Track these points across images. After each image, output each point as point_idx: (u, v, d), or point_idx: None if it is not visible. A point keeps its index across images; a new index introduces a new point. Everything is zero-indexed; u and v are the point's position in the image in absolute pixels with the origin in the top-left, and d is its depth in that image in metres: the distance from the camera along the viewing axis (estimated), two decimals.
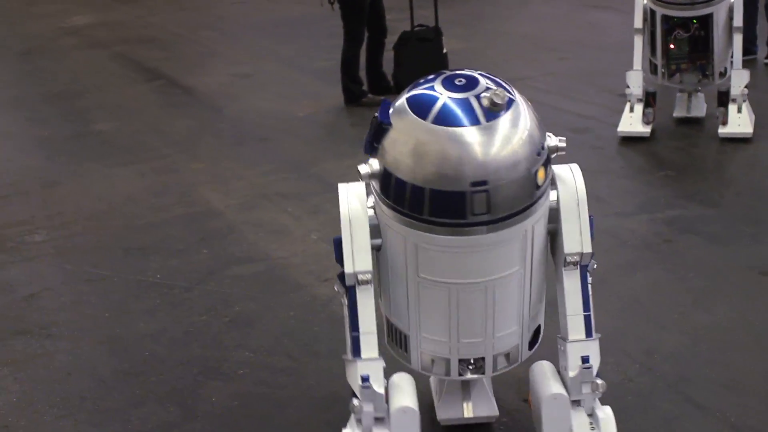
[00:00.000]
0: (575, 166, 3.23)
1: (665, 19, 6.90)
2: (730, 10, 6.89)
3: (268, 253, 5.45)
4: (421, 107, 2.93)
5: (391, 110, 3.01)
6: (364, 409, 3.15)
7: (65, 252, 5.66)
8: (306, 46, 10.85)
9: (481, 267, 3.10)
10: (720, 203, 5.85)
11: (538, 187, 2.96)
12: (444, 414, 3.67)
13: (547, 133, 3.03)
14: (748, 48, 8.43)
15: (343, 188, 3.30)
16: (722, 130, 6.89)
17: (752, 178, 6.34)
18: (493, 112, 2.90)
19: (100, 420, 3.92)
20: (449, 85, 2.97)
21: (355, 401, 3.17)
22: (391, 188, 2.98)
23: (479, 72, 3.03)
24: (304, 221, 5.89)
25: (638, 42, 7.10)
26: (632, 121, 7.04)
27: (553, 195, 3.17)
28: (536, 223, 3.07)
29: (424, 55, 8.40)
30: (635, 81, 7.06)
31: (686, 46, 6.97)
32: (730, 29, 6.95)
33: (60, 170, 7.19)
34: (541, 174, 2.95)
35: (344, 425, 3.21)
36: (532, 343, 3.41)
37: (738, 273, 4.86)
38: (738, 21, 6.90)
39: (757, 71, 8.54)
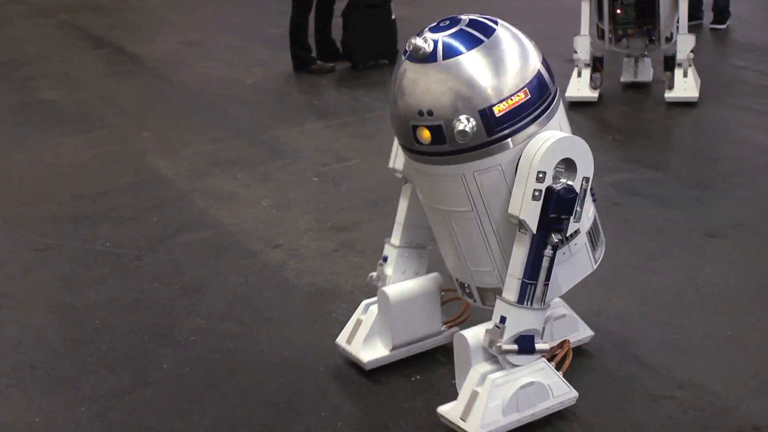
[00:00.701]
0: (553, 136, 3.19)
1: None
2: None
3: (218, 220, 5.43)
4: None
5: None
6: (371, 279, 3.87)
7: (12, 221, 5.61)
8: (255, 13, 10.80)
9: (435, 195, 3.40)
10: (666, 166, 5.92)
11: (455, 140, 3.15)
12: None
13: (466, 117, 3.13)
14: (694, 13, 8.52)
15: None
16: (668, 95, 6.97)
17: (698, 142, 6.43)
18: (416, 57, 3.16)
19: (52, 389, 3.90)
20: (435, 28, 3.24)
21: (373, 273, 3.87)
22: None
23: (475, 15, 3.29)
24: (254, 188, 5.88)
25: (585, 7, 7.15)
26: (580, 86, 7.09)
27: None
28: (478, 172, 3.22)
29: (373, 21, 8.39)
30: (583, 46, 7.11)
31: (633, 12, 7.03)
32: None
33: (6, 140, 7.12)
34: (425, 135, 3.19)
35: (297, 391, 3.24)
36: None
37: (684, 234, 4.92)
38: None
39: (703, 36, 8.64)
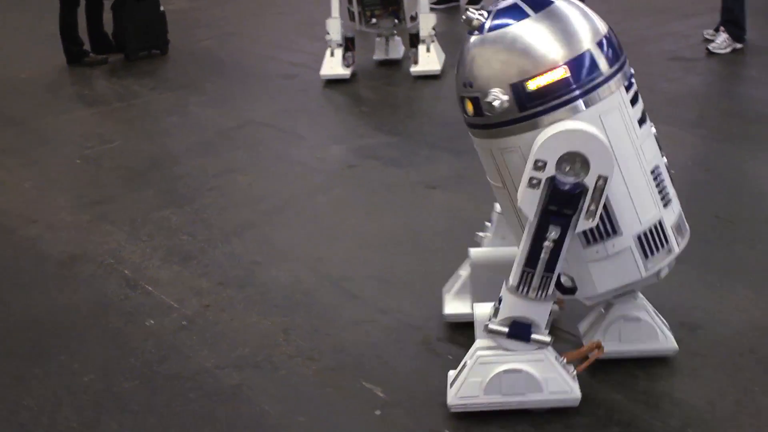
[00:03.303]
0: (563, 127, 3.04)
1: None
2: None
3: None
4: None
5: None
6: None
7: None
8: (33, 12, 10.90)
9: (484, 167, 3.40)
10: (403, 132, 6.50)
11: (486, 113, 3.13)
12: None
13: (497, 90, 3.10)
14: None
15: None
16: (414, 69, 7.58)
17: (436, 110, 7.03)
18: (469, 29, 3.22)
19: None
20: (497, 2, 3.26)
21: (479, 233, 3.89)
22: None
23: None
24: (19, 172, 6.14)
25: None
26: (333, 65, 7.61)
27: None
28: (502, 150, 3.19)
29: (142, 13, 8.69)
30: (334, 28, 7.63)
31: None
32: None
33: None
34: (469, 107, 3.20)
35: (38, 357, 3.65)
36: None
37: (408, 188, 5.49)
38: None
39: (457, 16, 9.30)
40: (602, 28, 3.17)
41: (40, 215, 5.42)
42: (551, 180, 3.04)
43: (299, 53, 8.52)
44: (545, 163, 3.03)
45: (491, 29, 3.13)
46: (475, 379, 3.31)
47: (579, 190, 3.05)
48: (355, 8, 7.67)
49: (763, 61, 7.67)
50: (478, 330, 3.37)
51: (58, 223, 5.31)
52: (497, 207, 3.70)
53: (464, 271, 3.92)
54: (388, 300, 4.27)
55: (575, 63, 3.05)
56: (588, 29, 3.12)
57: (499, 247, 3.75)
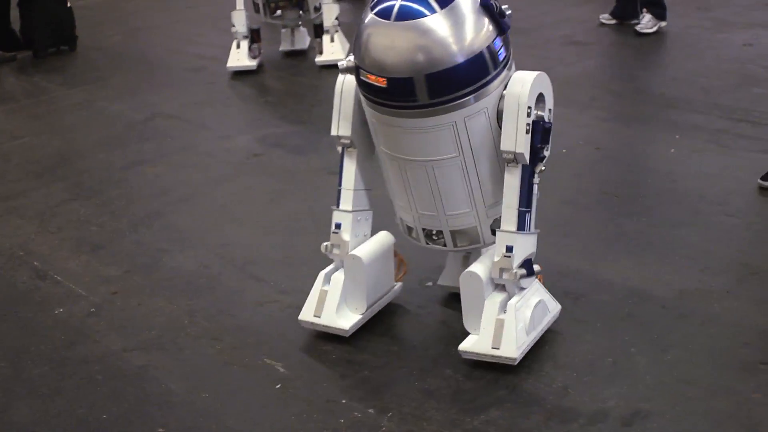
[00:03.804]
0: (529, 75, 3.53)
1: None
2: None
3: None
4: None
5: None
6: (327, 249, 3.91)
7: None
8: None
9: (418, 148, 3.58)
10: (308, 120, 6.68)
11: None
12: (442, 280, 4.18)
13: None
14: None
15: (340, 76, 3.85)
16: (318, 59, 7.77)
17: None
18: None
19: None
20: None
21: (327, 243, 3.92)
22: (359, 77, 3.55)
23: None
24: None
25: None
26: (239, 57, 7.75)
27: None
28: (468, 117, 3.48)
29: (49, 10, 8.73)
30: (239, 20, 7.77)
31: None
32: None
33: None
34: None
35: None
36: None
37: (311, 175, 5.67)
38: None
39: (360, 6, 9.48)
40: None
41: None
42: (540, 121, 3.55)
43: (207, 46, 8.65)
44: (531, 108, 3.51)
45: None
46: (521, 325, 3.64)
47: (550, 124, 3.60)
48: (260, 0, 7.81)
49: (655, 45, 7.98)
50: (487, 289, 3.66)
51: None
52: (345, 206, 3.93)
53: (328, 286, 3.98)
54: (290, 281, 4.45)
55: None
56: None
57: (363, 244, 3.96)
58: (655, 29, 8.08)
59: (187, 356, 3.93)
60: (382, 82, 3.42)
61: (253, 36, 7.82)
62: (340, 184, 3.96)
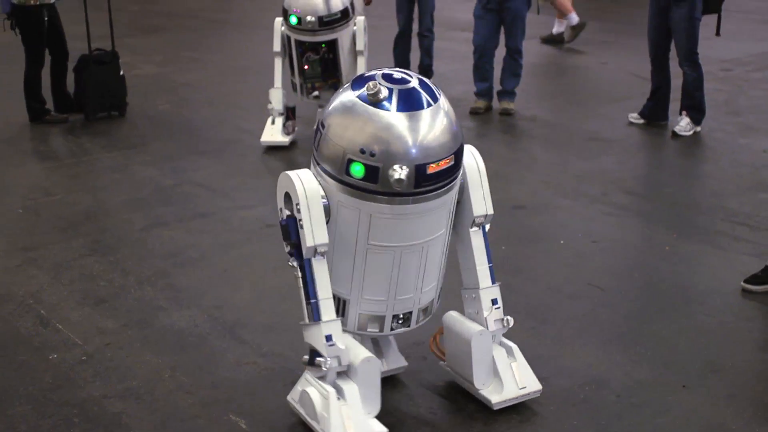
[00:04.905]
0: (473, 148, 4.00)
1: (298, 43, 7.98)
2: (353, 36, 8.08)
3: None
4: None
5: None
6: (331, 365, 3.68)
7: None
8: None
9: (423, 230, 3.77)
10: None
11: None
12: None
13: None
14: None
15: (293, 174, 3.74)
16: None
17: None
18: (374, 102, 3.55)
19: None
20: (389, 78, 3.63)
21: (320, 359, 3.70)
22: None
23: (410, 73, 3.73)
24: None
25: (278, 63, 8.15)
26: (273, 132, 8.08)
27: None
28: (455, 193, 3.83)
29: (103, 77, 9.19)
30: (276, 97, 8.11)
31: (318, 67, 8.11)
32: (354, 52, 8.13)
33: None
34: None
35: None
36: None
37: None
38: (360, 45, 8.09)
39: None
40: None
41: None
42: None
43: (247, 120, 9.00)
44: None
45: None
46: (523, 360, 4.23)
47: None
48: (298, 80, 8.17)
49: (676, 146, 8.16)
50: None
51: None
52: (329, 317, 3.77)
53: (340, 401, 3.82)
54: (272, 345, 4.70)
55: None
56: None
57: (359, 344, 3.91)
58: (691, 133, 8.27)
59: (160, 407, 4.20)
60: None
61: (288, 113, 8.16)
62: (314, 297, 3.77)
